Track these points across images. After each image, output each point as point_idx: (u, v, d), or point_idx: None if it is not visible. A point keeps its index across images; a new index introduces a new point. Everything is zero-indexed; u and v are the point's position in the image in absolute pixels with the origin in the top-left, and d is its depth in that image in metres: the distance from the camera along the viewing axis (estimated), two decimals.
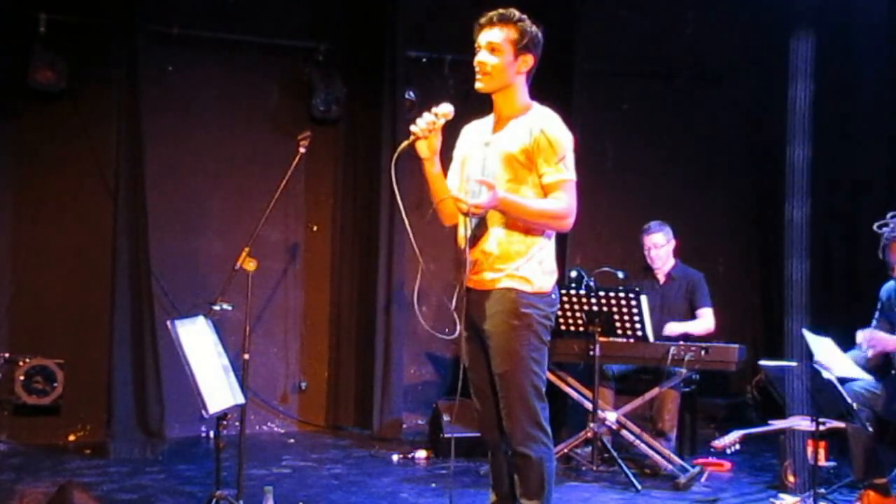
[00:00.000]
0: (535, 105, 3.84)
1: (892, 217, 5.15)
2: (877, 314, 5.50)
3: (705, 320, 6.49)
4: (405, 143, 3.74)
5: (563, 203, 3.71)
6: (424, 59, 7.69)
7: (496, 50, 3.74)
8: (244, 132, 7.41)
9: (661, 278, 6.65)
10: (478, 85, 3.79)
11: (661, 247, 6.58)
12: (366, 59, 7.53)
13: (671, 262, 6.66)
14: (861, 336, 5.26)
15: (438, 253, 7.37)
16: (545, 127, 3.72)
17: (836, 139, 7.56)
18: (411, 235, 3.83)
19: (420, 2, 7.62)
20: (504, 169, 3.75)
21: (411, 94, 7.49)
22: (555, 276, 3.82)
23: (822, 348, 5.17)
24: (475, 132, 3.93)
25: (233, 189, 7.35)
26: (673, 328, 6.35)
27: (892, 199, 7.18)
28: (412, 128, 3.73)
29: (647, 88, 8.27)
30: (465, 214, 3.71)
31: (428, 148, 3.75)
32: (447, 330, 3.87)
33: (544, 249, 3.79)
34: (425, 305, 7.43)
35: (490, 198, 3.63)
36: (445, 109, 3.72)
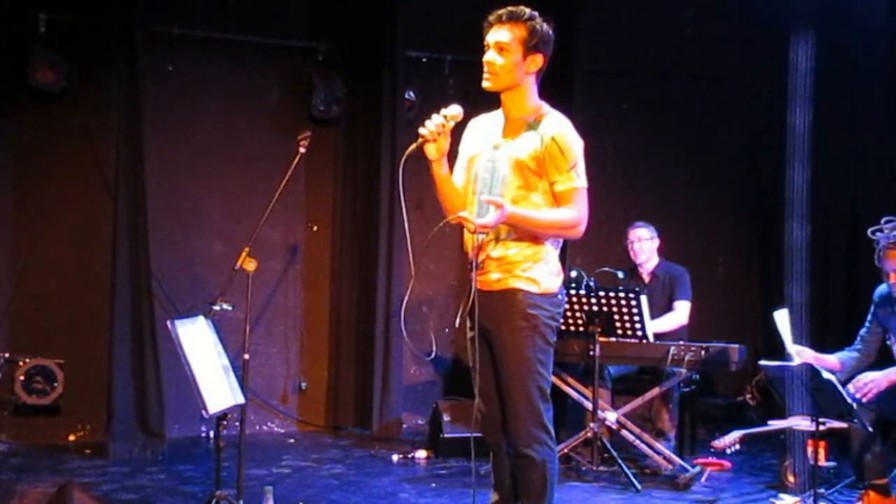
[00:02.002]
0: (545, 107, 3.79)
1: (887, 222, 5.12)
2: (869, 317, 5.51)
3: (678, 314, 6.49)
4: (413, 146, 3.69)
5: (574, 212, 3.69)
6: (424, 59, 7.69)
7: (504, 50, 3.69)
8: (244, 132, 7.41)
9: (646, 277, 6.66)
10: (485, 84, 3.74)
11: (644, 240, 6.61)
12: (366, 59, 7.53)
13: (655, 260, 6.67)
14: (852, 388, 5.19)
15: (439, 253, 7.40)
16: (556, 134, 3.68)
17: (836, 138, 7.56)
18: (409, 248, 3.79)
19: (420, 2, 7.61)
20: (514, 175, 3.72)
21: (411, 94, 7.50)
22: (561, 277, 3.81)
23: (785, 327, 5.17)
24: (483, 130, 3.88)
25: (233, 189, 7.35)
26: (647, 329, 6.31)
27: (892, 197, 7.19)
28: (421, 130, 3.68)
29: (647, 88, 8.27)
30: (473, 233, 3.69)
31: (436, 150, 3.70)
32: (430, 352, 3.87)
33: (551, 252, 3.78)
34: (426, 307, 7.44)
35: (497, 217, 3.60)
36: (454, 111, 3.68)
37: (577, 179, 3.70)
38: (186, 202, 7.29)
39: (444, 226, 3.78)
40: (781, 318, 5.28)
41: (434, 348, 3.44)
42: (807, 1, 6.95)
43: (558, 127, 3.72)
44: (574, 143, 3.71)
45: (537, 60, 3.72)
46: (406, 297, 3.83)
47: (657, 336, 6.26)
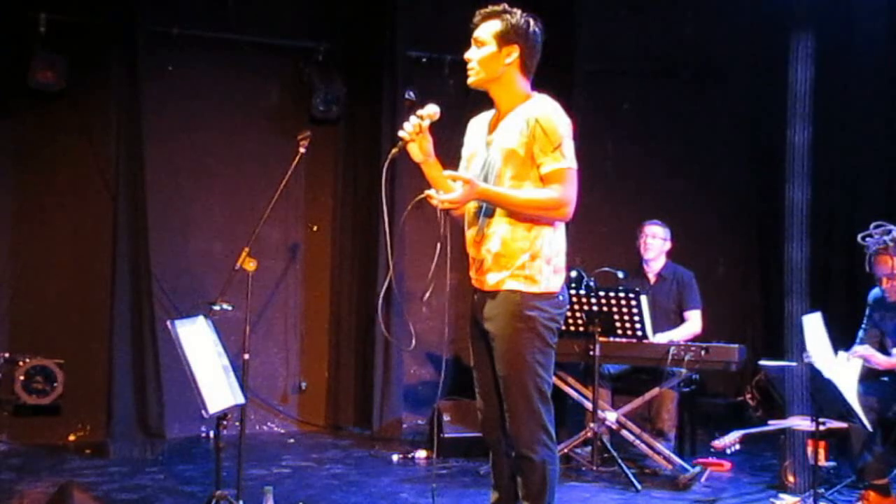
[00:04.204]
0: (535, 95, 3.79)
1: (876, 227, 5.12)
2: (865, 320, 5.54)
3: (691, 324, 6.50)
4: (395, 150, 3.74)
5: (556, 192, 3.64)
6: (424, 59, 7.68)
7: (480, 44, 3.74)
8: (244, 132, 7.41)
9: (652, 278, 6.65)
10: (468, 81, 3.79)
11: (657, 237, 6.59)
12: (366, 59, 7.53)
13: (662, 260, 6.66)
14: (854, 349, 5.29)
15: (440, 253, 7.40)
16: (539, 116, 3.66)
17: (837, 139, 7.56)
18: (388, 244, 3.80)
19: (420, 2, 7.62)
20: (506, 165, 3.71)
21: (411, 94, 7.49)
22: (562, 276, 3.77)
23: (814, 334, 5.17)
24: (478, 128, 3.90)
25: (233, 189, 7.35)
26: (659, 339, 6.32)
27: (892, 198, 7.20)
28: (400, 132, 3.73)
29: (647, 88, 8.27)
30: (438, 207, 3.67)
31: (420, 151, 3.75)
32: (409, 342, 3.90)
33: (553, 244, 3.73)
34: (426, 307, 7.44)
35: (465, 193, 3.60)
36: (430, 111, 3.72)
37: (563, 159, 3.66)
38: (186, 202, 7.29)
39: (412, 208, 3.77)
40: (812, 323, 5.21)
41: (414, 340, 3.46)
42: (807, 1, 6.95)
43: (541, 109, 3.70)
44: (559, 123, 3.67)
45: (512, 51, 3.72)
46: (382, 290, 3.84)
47: None
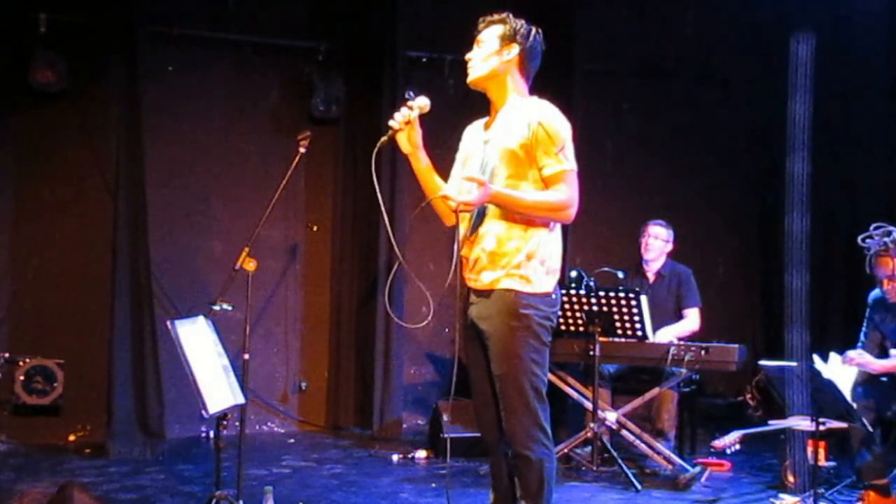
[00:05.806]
0: (532, 98, 3.82)
1: (876, 228, 5.12)
2: (866, 321, 5.54)
3: (689, 321, 6.50)
4: (384, 139, 3.76)
5: (563, 194, 3.67)
6: (424, 59, 7.68)
7: (481, 44, 3.80)
8: (244, 132, 7.42)
9: (651, 277, 6.65)
10: (468, 78, 3.82)
11: (659, 238, 6.59)
12: (366, 59, 7.53)
13: (662, 260, 6.66)
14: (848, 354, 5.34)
15: (439, 253, 7.40)
16: (543, 119, 3.69)
17: (836, 139, 7.57)
18: (391, 234, 3.81)
19: (420, 2, 7.62)
20: (503, 164, 3.72)
21: (411, 94, 7.43)
22: (556, 277, 3.78)
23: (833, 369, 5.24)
24: (474, 132, 3.93)
25: (233, 189, 7.35)
26: (658, 334, 6.33)
27: (893, 198, 7.19)
28: (390, 122, 3.76)
29: (647, 88, 8.27)
30: (454, 212, 3.69)
31: (408, 142, 3.77)
32: (423, 320, 3.89)
33: (549, 245, 3.74)
34: (426, 307, 7.45)
35: (480, 194, 3.61)
36: (421, 102, 3.75)
37: (565, 162, 3.69)
38: (186, 202, 7.29)
39: (426, 206, 3.79)
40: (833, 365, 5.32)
41: (432, 310, 3.44)
42: (807, 1, 6.96)
43: (543, 112, 3.73)
44: (561, 126, 3.71)
45: (512, 49, 3.77)
46: (390, 279, 3.83)
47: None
